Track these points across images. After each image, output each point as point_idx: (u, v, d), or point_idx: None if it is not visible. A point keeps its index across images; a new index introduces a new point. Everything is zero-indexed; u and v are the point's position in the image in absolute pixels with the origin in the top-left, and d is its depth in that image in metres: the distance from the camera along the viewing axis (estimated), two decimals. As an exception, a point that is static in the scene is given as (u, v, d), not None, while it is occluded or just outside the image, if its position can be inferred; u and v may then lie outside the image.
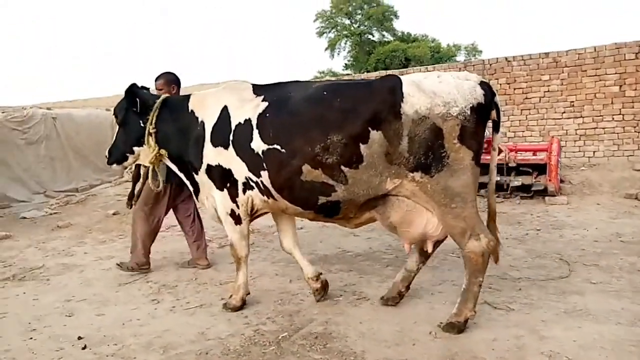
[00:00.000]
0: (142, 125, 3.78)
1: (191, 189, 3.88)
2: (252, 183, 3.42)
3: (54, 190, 11.23)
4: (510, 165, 7.41)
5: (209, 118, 3.55)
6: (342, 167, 3.07)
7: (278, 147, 3.21)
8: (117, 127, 4.01)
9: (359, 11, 34.84)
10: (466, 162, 2.96)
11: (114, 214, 8.31)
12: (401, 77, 3.16)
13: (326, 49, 35.51)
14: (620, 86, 8.85)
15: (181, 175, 3.89)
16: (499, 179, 7.39)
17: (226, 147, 3.43)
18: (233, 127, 3.42)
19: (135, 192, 4.87)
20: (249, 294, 3.76)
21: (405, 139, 2.96)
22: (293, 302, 3.81)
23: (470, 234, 3.02)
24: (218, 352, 3.02)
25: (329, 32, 35.62)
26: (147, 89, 4.21)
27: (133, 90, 3.82)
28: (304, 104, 3.23)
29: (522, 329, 3.15)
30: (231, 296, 3.72)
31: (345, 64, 35.11)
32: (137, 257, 4.76)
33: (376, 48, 31.47)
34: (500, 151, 7.41)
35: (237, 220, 3.59)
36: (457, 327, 3.10)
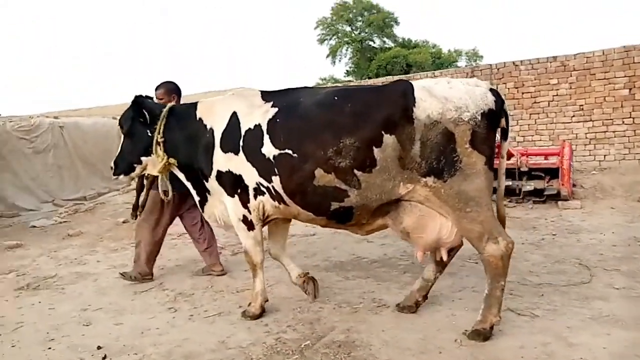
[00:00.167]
0: (149, 134, 3.75)
1: (197, 199, 3.85)
2: (263, 188, 3.40)
3: (62, 199, 11.24)
4: (522, 169, 7.35)
5: (218, 125, 3.54)
6: (356, 171, 3.06)
7: (290, 151, 3.20)
8: (123, 137, 3.95)
9: (360, 18, 35.04)
10: (479, 166, 2.95)
11: (123, 222, 8.28)
12: (412, 82, 3.16)
13: (327, 55, 35.78)
14: (630, 89, 8.81)
15: (188, 184, 3.86)
16: (510, 183, 7.35)
17: (236, 153, 3.42)
18: (243, 133, 3.41)
19: (140, 202, 4.86)
20: (267, 300, 3.72)
21: (418, 144, 2.96)
22: (312, 309, 3.76)
23: (488, 237, 2.99)
24: (241, 361, 2.98)
25: (330, 39, 35.83)
26: (151, 98, 4.20)
27: (139, 102, 3.79)
28: (316, 109, 3.23)
29: (548, 335, 3.09)
30: (250, 304, 3.68)
31: (347, 70, 35.31)
32: (140, 267, 4.72)
33: (377, 54, 31.62)
34: (511, 155, 7.38)
35: (249, 226, 3.56)
36: (483, 335, 3.05)
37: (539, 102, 9.55)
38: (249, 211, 3.52)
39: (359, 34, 34.94)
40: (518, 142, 9.69)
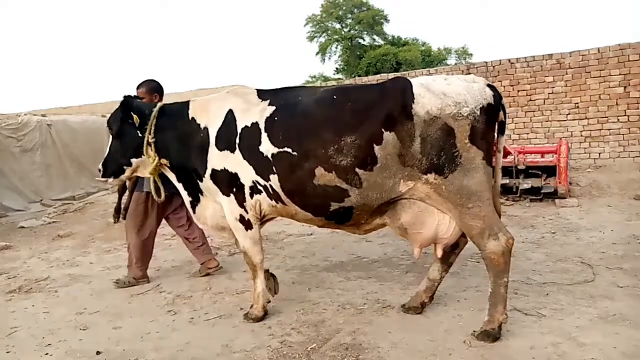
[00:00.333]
0: (140, 135, 3.64)
1: (188, 199, 3.77)
2: (259, 187, 3.33)
3: (50, 199, 11.05)
4: (519, 167, 7.34)
5: (213, 123, 3.46)
6: (356, 170, 3.02)
7: (289, 150, 3.15)
8: (111, 138, 3.82)
9: (349, 15, 34.96)
10: (477, 161, 2.95)
11: (114, 222, 8.13)
12: (410, 79, 3.15)
13: (317, 53, 35.64)
14: (625, 87, 8.85)
15: (179, 185, 3.77)
16: (507, 181, 7.34)
17: (232, 151, 3.35)
18: (239, 131, 3.34)
19: (123, 204, 4.76)
20: (269, 301, 3.65)
21: (418, 140, 2.94)
22: (315, 311, 3.68)
23: (489, 233, 2.96)
24: (247, 365, 2.90)
25: (320, 36, 35.72)
26: (141, 98, 4.09)
27: (128, 102, 3.69)
28: (315, 107, 3.19)
29: (557, 335, 3.05)
30: (252, 306, 3.59)
31: (337, 68, 35.22)
32: (134, 272, 4.62)
33: (367, 52, 31.56)
34: (508, 153, 7.36)
35: (247, 225, 3.49)
36: (493, 335, 3.00)
37: (534, 100, 9.55)
38: (246, 210, 3.44)
39: (349, 31, 34.86)
40: (513, 140, 9.70)
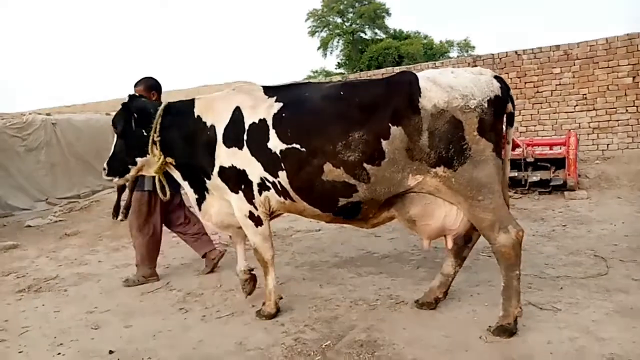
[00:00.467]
0: (145, 134, 3.61)
1: (194, 197, 3.75)
2: (268, 183, 3.32)
3: (56, 198, 11.05)
4: (527, 160, 7.28)
5: (219, 120, 3.43)
6: (364, 165, 3.01)
7: (297, 146, 3.13)
8: (115, 138, 3.78)
9: (351, 9, 34.82)
10: (487, 153, 2.93)
11: (121, 220, 8.12)
12: (417, 72, 3.13)
13: (319, 48, 35.51)
14: (634, 77, 8.76)
15: (184, 183, 3.75)
16: (516, 174, 7.28)
17: (240, 148, 3.33)
18: (247, 127, 3.32)
19: (124, 203, 4.74)
20: (281, 298, 3.62)
21: (425, 134, 2.92)
22: (328, 307, 3.65)
23: (499, 226, 2.95)
24: (262, 363, 2.87)
25: (321, 31, 35.59)
26: (144, 97, 4.05)
27: (131, 104, 3.67)
28: (322, 103, 3.18)
29: (574, 330, 3.01)
30: (264, 303, 3.57)
31: (338, 62, 35.13)
32: (143, 270, 4.61)
33: (369, 46, 31.45)
34: (517, 146, 7.30)
35: (257, 222, 3.47)
36: (509, 330, 2.97)
37: (541, 92, 9.47)
38: (255, 207, 3.43)
39: (350, 25, 34.71)
40: (520, 132, 9.62)
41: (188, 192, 3.79)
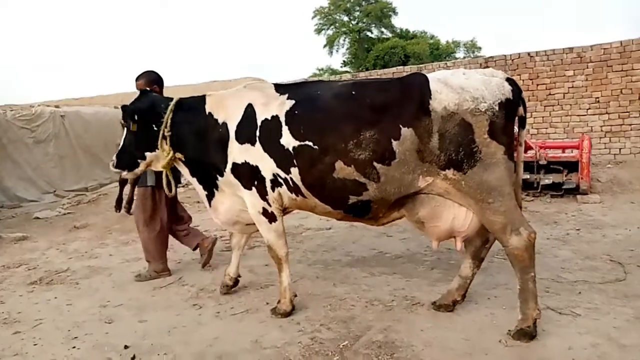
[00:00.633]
0: (155, 129, 3.60)
1: (204, 193, 3.76)
2: (280, 180, 3.32)
3: (63, 190, 11.07)
4: (540, 162, 7.22)
5: (232, 117, 3.44)
6: (375, 164, 3.02)
7: (310, 143, 3.15)
8: (125, 132, 3.78)
9: (358, 8, 34.75)
10: (498, 156, 2.92)
11: (127, 212, 8.09)
12: (427, 74, 3.13)
13: (325, 46, 35.46)
14: (648, 81, 8.69)
15: (193, 179, 3.75)
16: (528, 177, 7.22)
17: (253, 144, 3.33)
18: (259, 123, 3.33)
19: (126, 197, 4.73)
20: (295, 296, 3.60)
21: (436, 136, 2.93)
22: (343, 307, 3.62)
23: (511, 229, 2.93)
24: (279, 362, 2.84)
25: (328, 29, 35.54)
26: (157, 92, 4.02)
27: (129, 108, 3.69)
28: (334, 102, 3.19)
29: (596, 336, 2.97)
30: (279, 301, 3.54)
31: (344, 61, 35.06)
32: (155, 265, 4.58)
33: (375, 45, 31.40)
34: (530, 148, 7.25)
35: (271, 218, 3.47)
36: (529, 334, 2.94)
37: (553, 94, 9.40)
38: (269, 203, 3.43)
39: (357, 24, 34.64)
40: (532, 134, 9.56)
41: (197, 188, 3.81)
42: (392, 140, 2.98)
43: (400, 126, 2.97)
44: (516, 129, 3.18)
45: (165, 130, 3.56)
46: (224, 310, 3.69)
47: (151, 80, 4.44)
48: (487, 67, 9.37)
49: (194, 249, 4.86)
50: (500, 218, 2.94)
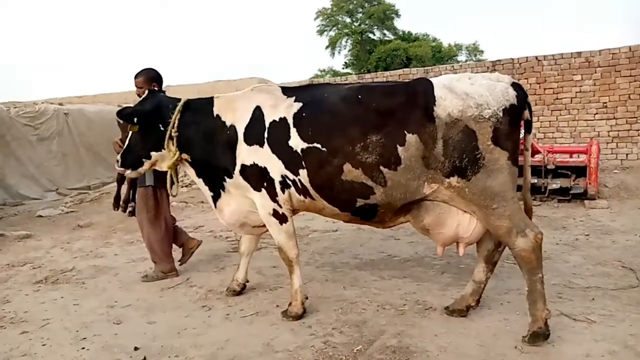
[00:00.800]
0: (162, 129, 3.59)
1: (209, 195, 3.75)
2: (288, 181, 3.32)
3: (66, 188, 11.01)
4: (548, 167, 7.18)
5: (240, 120, 3.44)
6: (381, 168, 3.04)
7: (318, 145, 3.16)
8: (130, 131, 3.76)
9: (360, 9, 34.77)
10: (502, 162, 2.93)
11: (128, 213, 8.04)
12: (432, 79, 3.14)
13: (327, 47, 35.41)
14: (657, 87, 8.65)
15: (199, 181, 3.74)
16: (535, 181, 7.18)
17: (261, 145, 3.34)
18: (267, 125, 3.33)
19: (123, 196, 4.70)
20: (307, 298, 3.56)
21: (440, 142, 2.94)
22: (355, 311, 3.58)
23: (517, 231, 2.93)
24: (292, 366, 2.80)
25: (330, 30, 35.54)
26: (163, 92, 4.00)
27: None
28: (341, 105, 3.22)
29: (613, 343, 2.93)
30: (290, 303, 3.50)
31: (346, 62, 35.04)
32: (162, 265, 4.54)
33: (377, 47, 31.41)
34: (538, 152, 7.21)
35: (281, 219, 3.45)
36: (542, 334, 2.92)
37: (561, 99, 9.37)
38: (279, 204, 3.41)
39: (359, 25, 34.63)
40: (538, 139, 9.51)
41: (202, 189, 3.80)
42: (398, 146, 3.00)
43: (405, 132, 2.99)
44: (522, 133, 3.20)
45: (173, 130, 3.55)
46: (233, 312, 3.65)
47: (150, 78, 4.40)
48: (495, 70, 9.35)
49: (180, 247, 4.81)
50: (505, 222, 2.94)
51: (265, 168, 3.34)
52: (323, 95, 3.32)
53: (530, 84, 9.46)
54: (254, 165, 3.36)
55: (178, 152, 3.59)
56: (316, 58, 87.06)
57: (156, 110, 3.62)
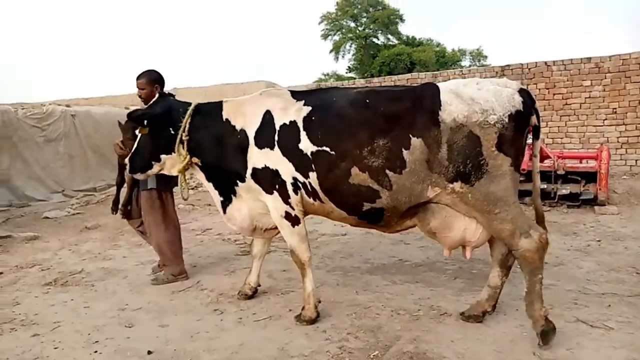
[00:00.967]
0: (172, 132, 3.60)
1: (219, 199, 3.74)
2: (299, 184, 3.33)
3: (72, 190, 11.00)
4: (558, 172, 7.14)
5: (250, 124, 3.45)
6: (387, 171, 3.06)
7: (327, 149, 3.18)
8: (140, 135, 3.76)
9: (365, 14, 34.74)
10: (504, 168, 2.94)
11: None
12: (440, 84, 3.16)
13: (331, 51, 35.35)
14: (666, 93, 8.61)
15: (208, 185, 3.74)
16: (545, 186, 7.14)
17: (272, 148, 3.34)
18: (278, 128, 3.34)
19: (122, 199, 4.68)
20: (320, 302, 3.53)
21: (445, 147, 2.96)
22: (368, 315, 3.54)
23: (520, 233, 2.94)
24: (309, 372, 2.77)
25: (334, 34, 35.48)
26: (173, 95, 4.01)
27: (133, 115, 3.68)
28: (350, 109, 3.23)
29: (632, 350, 2.90)
30: (303, 307, 3.47)
31: (349, 66, 35.00)
32: (172, 268, 4.51)
33: (381, 51, 31.36)
34: (547, 157, 7.18)
35: (294, 221, 3.45)
36: (551, 330, 2.94)
37: (570, 104, 9.33)
38: (292, 207, 3.40)
39: (363, 30, 34.57)
40: (547, 144, 9.47)
41: (212, 193, 3.79)
42: (403, 150, 3.01)
43: (411, 136, 3.00)
44: (530, 139, 3.21)
45: (183, 134, 3.56)
46: (245, 316, 3.62)
47: (153, 80, 4.37)
48: (503, 75, 9.33)
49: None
50: (508, 226, 2.95)
51: (276, 170, 3.35)
52: (332, 99, 3.34)
53: (540, 89, 9.43)
54: (266, 168, 3.37)
55: (188, 156, 3.59)
56: (320, 62, 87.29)
57: (167, 114, 3.63)
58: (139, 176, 3.90)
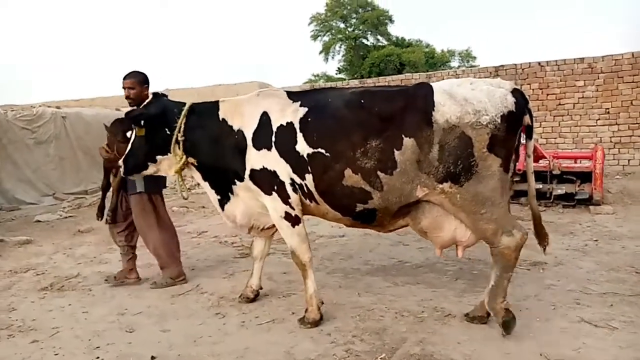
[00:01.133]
0: (168, 133, 3.58)
1: (216, 198, 3.72)
2: (296, 185, 3.33)
3: (63, 193, 10.87)
4: (554, 172, 7.17)
5: (248, 125, 3.44)
6: (379, 173, 3.07)
7: (322, 150, 3.19)
8: (133, 135, 3.73)
9: (354, 15, 34.76)
10: (494, 168, 2.95)
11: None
12: (434, 84, 3.17)
13: (320, 52, 35.33)
14: (659, 93, 8.70)
15: (205, 184, 3.72)
16: (540, 187, 7.16)
17: (269, 149, 3.34)
18: (275, 130, 3.34)
19: (109, 205, 4.60)
20: (322, 303, 3.50)
21: (436, 147, 2.97)
22: (372, 318, 3.52)
23: (502, 231, 3.00)
24: (316, 375, 2.74)
25: (324, 35, 35.46)
26: (166, 95, 3.97)
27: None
28: (344, 110, 3.23)
29: (637, 350, 2.90)
30: (306, 310, 3.44)
31: (339, 67, 34.99)
32: (170, 271, 4.45)
33: (370, 52, 31.41)
34: (542, 157, 7.21)
35: (294, 221, 3.44)
36: (511, 320, 3.06)
37: (563, 104, 9.41)
38: (291, 207, 3.39)
39: (353, 31, 34.59)
40: (540, 144, 9.52)
41: (208, 193, 3.78)
42: (395, 150, 3.03)
43: (403, 136, 3.01)
44: (523, 139, 3.22)
45: (179, 135, 3.54)
46: (248, 319, 3.58)
47: (142, 80, 4.28)
48: (497, 76, 9.38)
49: (121, 271, 4.64)
50: (492, 225, 2.99)
51: (274, 171, 3.34)
52: (327, 100, 3.34)
53: (533, 90, 9.49)
54: (264, 170, 3.36)
55: (184, 157, 3.57)
56: (310, 63, 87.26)
57: (162, 114, 3.61)
58: (136, 177, 3.85)
